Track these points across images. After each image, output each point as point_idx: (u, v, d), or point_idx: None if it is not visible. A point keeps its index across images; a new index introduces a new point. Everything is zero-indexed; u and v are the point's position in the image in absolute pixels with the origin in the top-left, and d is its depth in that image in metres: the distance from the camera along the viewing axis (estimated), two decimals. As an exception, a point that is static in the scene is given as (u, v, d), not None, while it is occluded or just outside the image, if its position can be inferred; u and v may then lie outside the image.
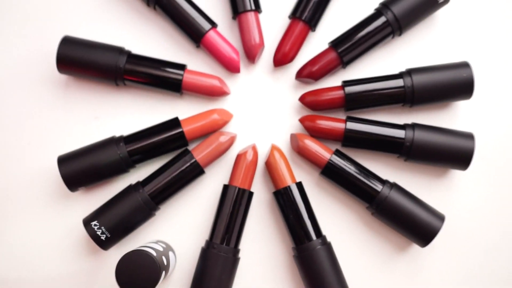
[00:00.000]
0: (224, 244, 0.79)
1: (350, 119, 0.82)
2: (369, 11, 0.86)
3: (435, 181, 0.86)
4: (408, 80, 0.81)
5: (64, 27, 0.88)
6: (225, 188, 0.81)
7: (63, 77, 0.87)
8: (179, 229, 0.85)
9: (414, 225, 0.79)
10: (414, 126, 0.81)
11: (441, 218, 0.80)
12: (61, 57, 0.82)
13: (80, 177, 0.80)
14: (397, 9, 0.82)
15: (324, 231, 0.81)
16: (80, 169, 0.80)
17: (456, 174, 0.86)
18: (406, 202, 0.79)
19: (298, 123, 0.85)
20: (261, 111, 0.87)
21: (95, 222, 0.78)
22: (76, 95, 0.87)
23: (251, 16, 0.84)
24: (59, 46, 0.82)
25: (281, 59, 0.85)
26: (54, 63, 0.84)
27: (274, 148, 0.83)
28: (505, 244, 0.85)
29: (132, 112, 0.87)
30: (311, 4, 0.84)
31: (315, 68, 0.84)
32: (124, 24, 0.88)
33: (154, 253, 0.73)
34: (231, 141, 0.83)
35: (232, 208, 0.79)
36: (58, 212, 0.85)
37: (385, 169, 0.85)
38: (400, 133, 0.81)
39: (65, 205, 0.85)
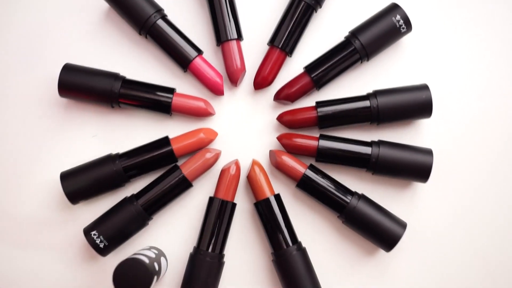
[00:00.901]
0: (210, 250, 0.81)
1: (323, 137, 0.84)
2: (340, 38, 0.88)
3: (399, 193, 0.88)
4: (374, 101, 0.84)
5: (65, 55, 0.89)
6: (211, 200, 0.83)
7: (63, 100, 0.89)
8: (170, 236, 0.87)
9: (379, 232, 0.82)
10: (379, 143, 0.84)
11: (403, 225, 0.82)
12: (62, 83, 0.84)
13: (80, 191, 0.83)
14: (364, 38, 0.85)
15: (300, 237, 0.84)
16: (81, 184, 0.83)
17: (418, 186, 0.88)
18: (372, 211, 0.82)
19: (276, 140, 0.86)
20: (243, 130, 0.89)
21: (94, 232, 0.81)
22: (75, 116, 0.89)
23: (233, 44, 0.87)
24: (60, 73, 0.84)
25: (261, 82, 0.88)
26: (55, 88, 0.86)
27: (254, 163, 0.85)
28: (458, 248, 0.88)
29: (127, 131, 0.89)
30: (287, 33, 0.86)
31: (291, 90, 0.87)
32: (119, 52, 0.90)
33: (146, 260, 0.77)
34: (216, 157, 0.85)
35: (217, 218, 0.82)
36: (61, 222, 0.87)
37: (354, 181, 0.87)
38: (367, 150, 0.83)
39: (67, 216, 0.87)
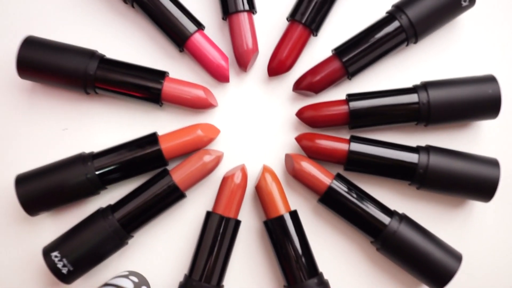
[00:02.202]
0: (204, 280, 0.74)
1: (355, 139, 0.79)
2: (381, 13, 0.83)
3: (452, 214, 0.82)
4: (423, 95, 0.78)
5: (29, 25, 0.85)
6: (208, 215, 0.78)
7: (27, 83, 0.84)
8: (156, 260, 0.81)
9: (427, 265, 0.75)
10: (429, 149, 0.78)
11: (458, 257, 0.76)
12: (22, 61, 0.78)
13: (40, 200, 0.77)
14: (413, 12, 0.79)
15: (321, 267, 0.78)
16: (41, 191, 0.76)
17: (477, 206, 0.82)
18: (417, 238, 0.75)
19: (295, 142, 0.81)
20: (253, 127, 0.85)
21: (55, 253, 0.74)
22: (42, 103, 0.84)
23: (243, 17, 0.81)
24: (20, 48, 0.78)
25: (277, 67, 0.83)
26: (14, 68, 0.80)
27: (266, 170, 0.80)
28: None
29: (105, 124, 0.84)
30: (313, 4, 0.80)
31: (316, 78, 0.81)
32: (98, 24, 0.86)
33: (119, 295, 0.67)
34: (217, 161, 0.80)
35: (215, 240, 0.76)
36: (18, 237, 0.82)
37: (393, 197, 0.82)
38: (412, 157, 0.77)
39: (23, 230, 0.82)
